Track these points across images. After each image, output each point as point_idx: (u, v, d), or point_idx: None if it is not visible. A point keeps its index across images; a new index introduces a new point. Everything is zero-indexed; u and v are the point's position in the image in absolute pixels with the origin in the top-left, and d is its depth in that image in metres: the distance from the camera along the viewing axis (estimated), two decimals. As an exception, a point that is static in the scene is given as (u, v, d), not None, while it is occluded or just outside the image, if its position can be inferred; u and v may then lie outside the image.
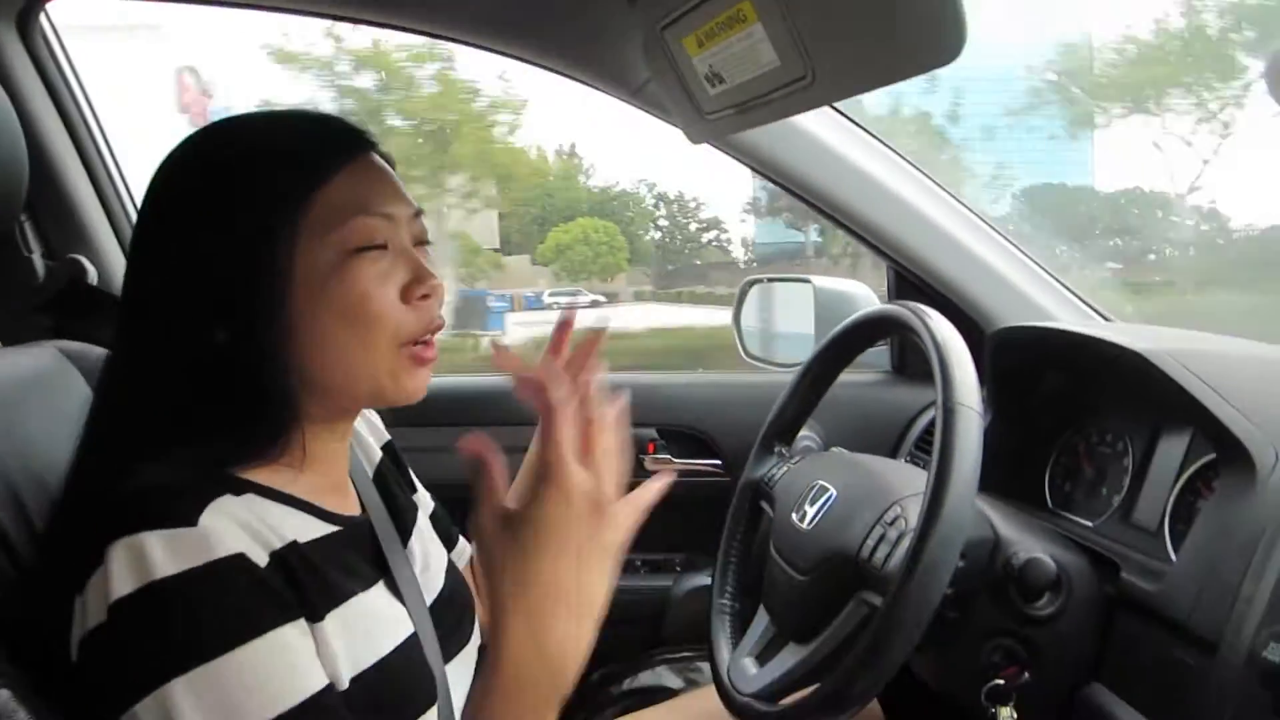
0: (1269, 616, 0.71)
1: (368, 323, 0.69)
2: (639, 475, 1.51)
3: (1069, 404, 1.17)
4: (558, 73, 1.31)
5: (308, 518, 0.70)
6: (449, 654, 0.80)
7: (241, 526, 0.61)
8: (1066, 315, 1.36)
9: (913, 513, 0.86)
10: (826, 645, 0.86)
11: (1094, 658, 0.87)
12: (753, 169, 1.38)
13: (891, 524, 0.87)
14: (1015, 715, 0.86)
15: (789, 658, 0.91)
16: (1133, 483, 1.03)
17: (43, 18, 1.33)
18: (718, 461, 1.54)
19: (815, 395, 1.13)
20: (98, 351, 0.93)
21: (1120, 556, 0.90)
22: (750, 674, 0.94)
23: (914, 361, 1.57)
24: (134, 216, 1.46)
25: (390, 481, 0.89)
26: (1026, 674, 0.86)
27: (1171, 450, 0.99)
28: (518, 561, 0.64)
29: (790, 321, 1.64)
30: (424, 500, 0.97)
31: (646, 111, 1.33)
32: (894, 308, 0.96)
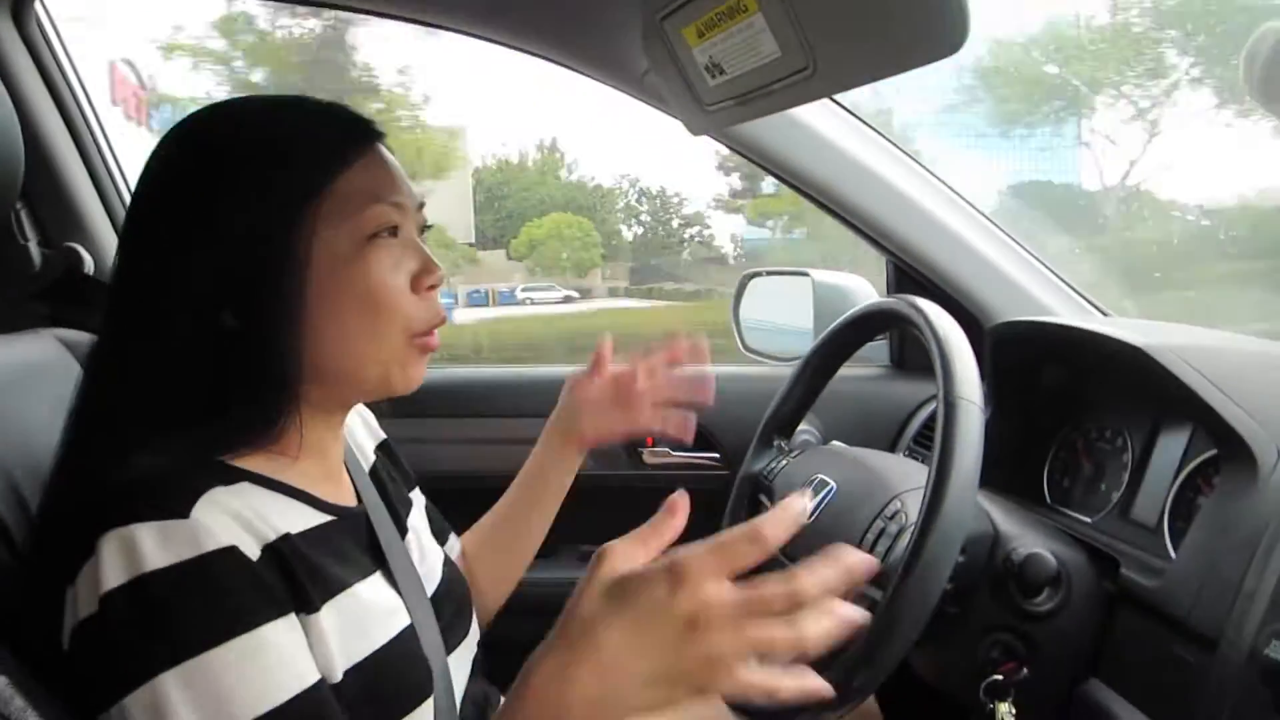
0: (1270, 614, 0.71)
1: (381, 312, 0.70)
2: (638, 468, 1.53)
3: (1068, 399, 1.17)
4: (556, 62, 1.30)
5: (302, 507, 0.69)
6: (449, 646, 0.79)
7: (234, 518, 0.61)
8: (1066, 310, 1.36)
9: (913, 507, 0.86)
10: (825, 640, 0.86)
11: (1093, 654, 0.87)
12: (752, 161, 1.37)
13: (891, 518, 0.87)
14: (1014, 711, 0.85)
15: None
16: (1132, 479, 1.03)
17: (38, 5, 1.32)
18: (716, 455, 1.53)
19: (815, 389, 1.13)
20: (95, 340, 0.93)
21: (1120, 553, 0.90)
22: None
23: (913, 356, 1.56)
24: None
25: (386, 478, 0.89)
26: (1025, 669, 0.85)
27: (1171, 446, 0.99)
28: (579, 637, 0.52)
29: (789, 315, 1.64)
30: (417, 497, 0.96)
31: (646, 103, 1.32)
32: (895, 302, 0.96)
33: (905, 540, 0.80)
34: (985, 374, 0.90)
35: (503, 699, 0.92)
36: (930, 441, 0.80)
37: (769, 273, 1.71)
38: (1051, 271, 1.39)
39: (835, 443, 1.23)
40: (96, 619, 0.58)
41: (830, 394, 1.14)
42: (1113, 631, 0.87)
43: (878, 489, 0.91)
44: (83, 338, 0.94)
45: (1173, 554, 0.90)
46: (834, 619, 0.51)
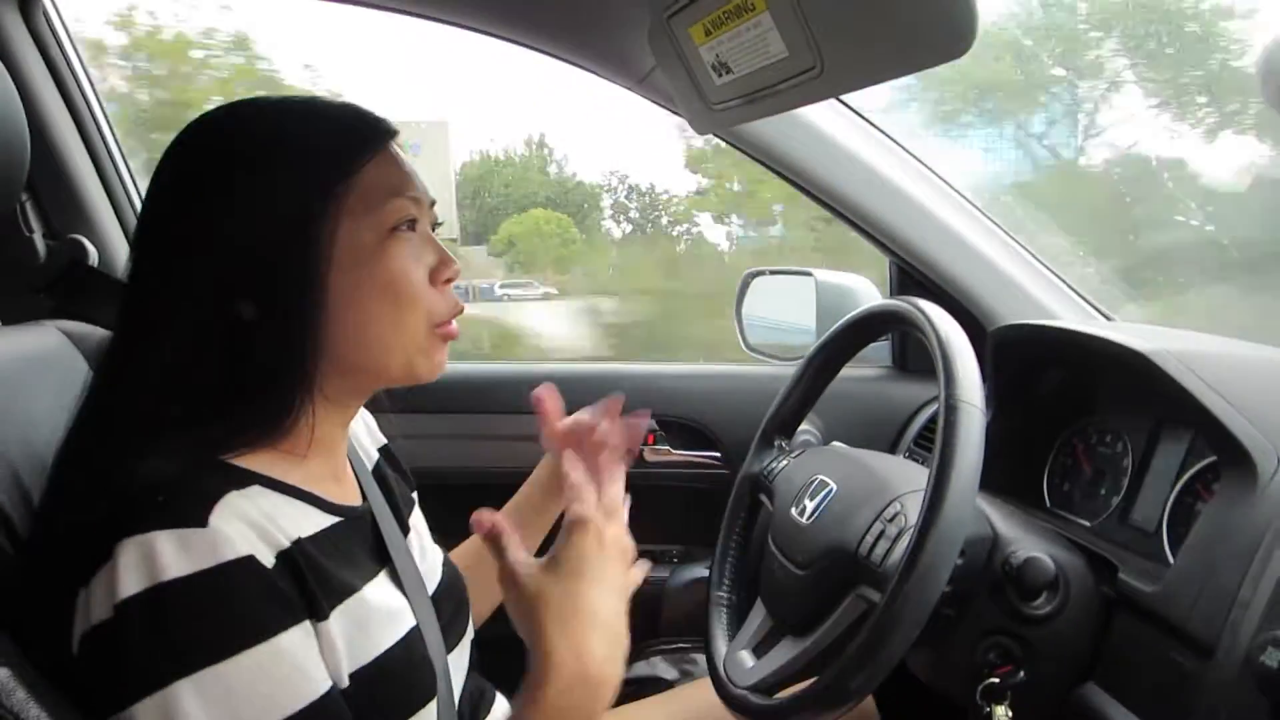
0: (1266, 621, 0.71)
1: (404, 302, 0.72)
2: (638, 465, 1.53)
3: (1069, 403, 1.17)
4: (561, 59, 1.30)
5: (310, 509, 0.70)
6: (449, 645, 0.80)
7: (250, 526, 0.61)
8: (1069, 313, 1.36)
9: (912, 509, 0.86)
10: (823, 640, 0.86)
11: (1090, 658, 0.87)
12: (757, 160, 1.37)
13: (891, 520, 0.87)
14: (1010, 714, 0.85)
15: (785, 651, 0.91)
16: (1132, 483, 1.03)
17: (45, -2, 1.33)
18: (717, 454, 1.53)
19: (816, 389, 1.12)
20: (100, 333, 0.93)
21: (1118, 557, 0.90)
22: (746, 666, 0.94)
23: (915, 357, 1.56)
24: (136, 198, 1.45)
25: (388, 479, 0.89)
26: (1022, 672, 0.86)
27: (1171, 452, 0.99)
28: (559, 598, 0.68)
29: (792, 314, 1.64)
30: (414, 497, 0.97)
31: (651, 101, 1.32)
32: (898, 303, 0.96)
33: (904, 542, 0.80)
34: (987, 376, 0.91)
35: (498, 694, 0.93)
36: (931, 443, 0.80)
37: (772, 272, 1.71)
38: (1055, 275, 1.39)
39: (836, 443, 1.23)
40: (111, 625, 0.57)
41: (832, 394, 1.14)
42: (1110, 636, 0.87)
43: (878, 490, 0.92)
44: (86, 330, 0.94)
45: (1171, 559, 0.90)
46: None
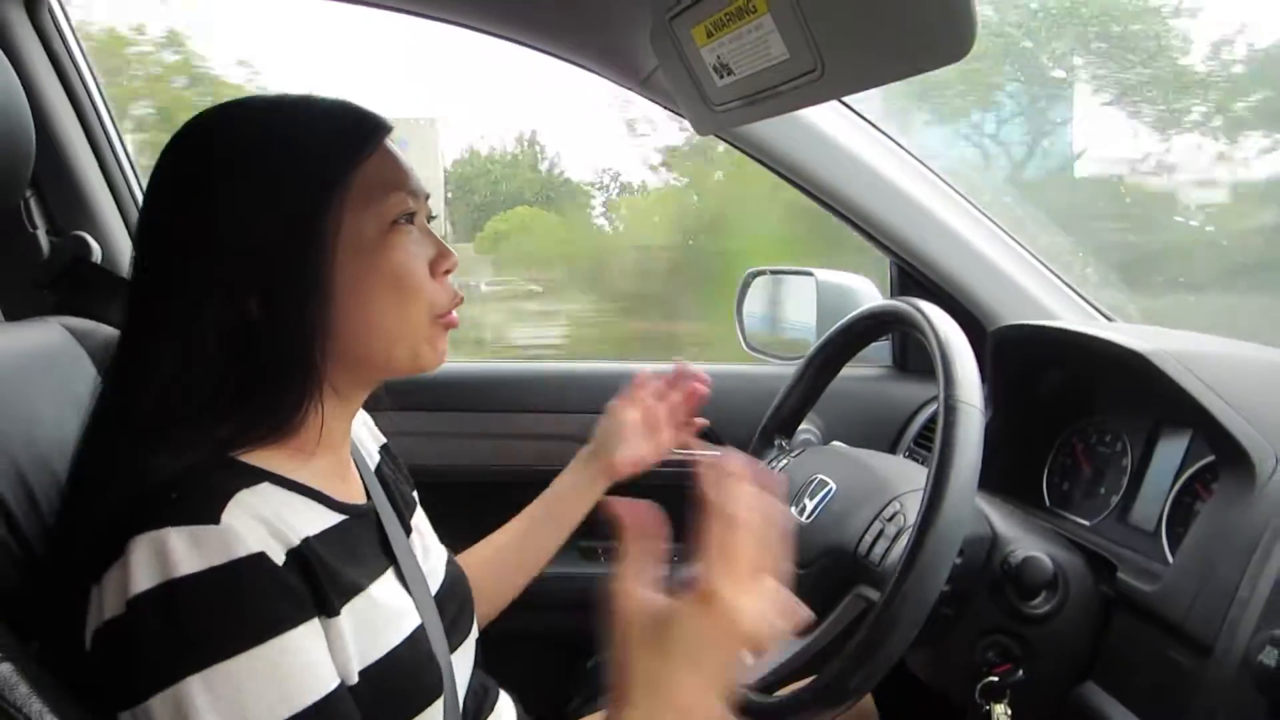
0: (1265, 620, 0.72)
1: (407, 294, 0.73)
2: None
3: (1069, 403, 1.17)
4: (563, 59, 1.30)
5: (317, 507, 0.70)
6: (452, 645, 0.80)
7: (261, 523, 0.61)
8: (1069, 314, 1.36)
9: (911, 509, 0.86)
10: (823, 639, 0.86)
11: (1088, 657, 0.88)
12: (758, 160, 1.37)
13: (890, 520, 0.87)
14: (1009, 712, 0.86)
15: (785, 650, 0.91)
16: (1131, 483, 1.03)
17: (50, -7, 1.33)
18: (717, 453, 1.53)
19: (816, 389, 1.13)
20: (104, 329, 0.93)
21: (1117, 556, 0.90)
22: (745, 665, 0.95)
23: (915, 357, 1.56)
24: (139, 195, 1.46)
25: (389, 479, 0.90)
26: (1021, 671, 0.86)
27: (1170, 451, 0.99)
28: (644, 669, 0.63)
29: (792, 314, 1.64)
30: (415, 497, 0.97)
31: (653, 101, 1.32)
32: (898, 303, 0.96)
33: (904, 541, 0.80)
34: (986, 377, 0.91)
35: (501, 691, 0.93)
36: (931, 443, 0.80)
37: (773, 271, 1.71)
38: (1055, 275, 1.39)
39: (836, 443, 1.23)
40: (123, 621, 0.58)
41: (832, 394, 1.14)
42: (1109, 635, 0.87)
43: (877, 490, 0.92)
44: (90, 326, 0.94)
45: (1170, 559, 0.91)
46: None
